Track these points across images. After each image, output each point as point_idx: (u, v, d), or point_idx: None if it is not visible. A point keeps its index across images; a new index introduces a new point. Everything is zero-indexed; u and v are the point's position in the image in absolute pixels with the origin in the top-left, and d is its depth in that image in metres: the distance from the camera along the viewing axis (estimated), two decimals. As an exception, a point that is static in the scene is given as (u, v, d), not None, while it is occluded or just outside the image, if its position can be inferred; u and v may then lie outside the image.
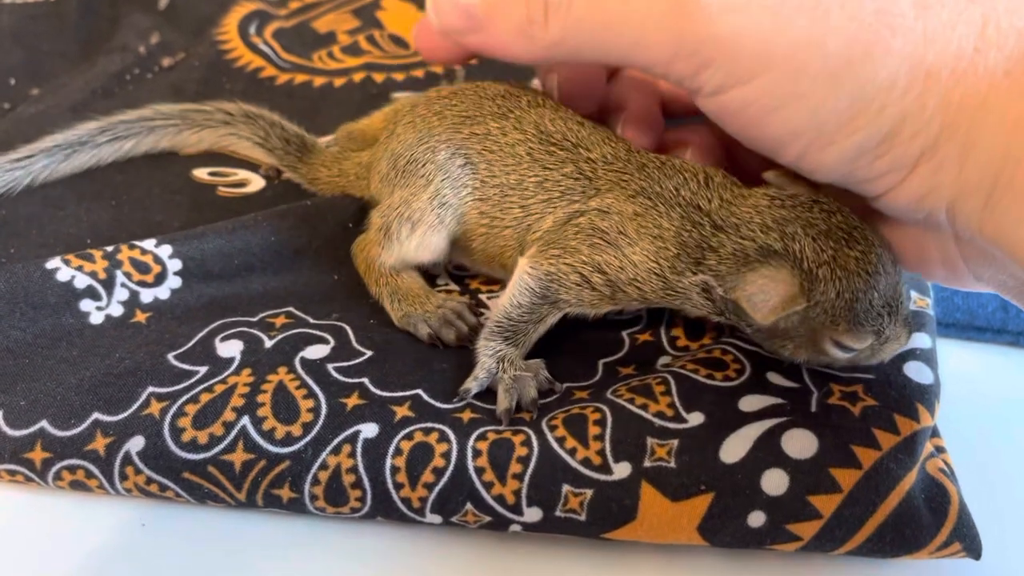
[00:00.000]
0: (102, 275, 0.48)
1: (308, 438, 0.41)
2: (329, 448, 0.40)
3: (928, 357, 0.44)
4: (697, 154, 0.46)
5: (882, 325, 0.40)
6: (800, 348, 0.41)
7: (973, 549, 0.39)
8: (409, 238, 0.47)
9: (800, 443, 0.39)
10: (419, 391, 0.43)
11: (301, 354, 0.44)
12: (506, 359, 0.43)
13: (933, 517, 0.38)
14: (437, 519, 0.40)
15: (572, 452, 0.40)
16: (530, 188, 0.45)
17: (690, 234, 0.41)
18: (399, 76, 0.71)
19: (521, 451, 0.40)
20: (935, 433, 0.42)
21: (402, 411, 0.42)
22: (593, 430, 0.40)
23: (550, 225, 0.44)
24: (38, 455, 0.42)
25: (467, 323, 0.46)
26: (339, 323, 0.47)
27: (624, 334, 0.47)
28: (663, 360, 0.45)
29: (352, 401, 0.42)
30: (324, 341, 0.45)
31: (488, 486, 0.39)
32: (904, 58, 0.33)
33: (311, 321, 0.47)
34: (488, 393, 0.43)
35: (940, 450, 0.42)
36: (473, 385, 0.43)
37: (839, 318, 0.39)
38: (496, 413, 0.42)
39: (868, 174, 0.36)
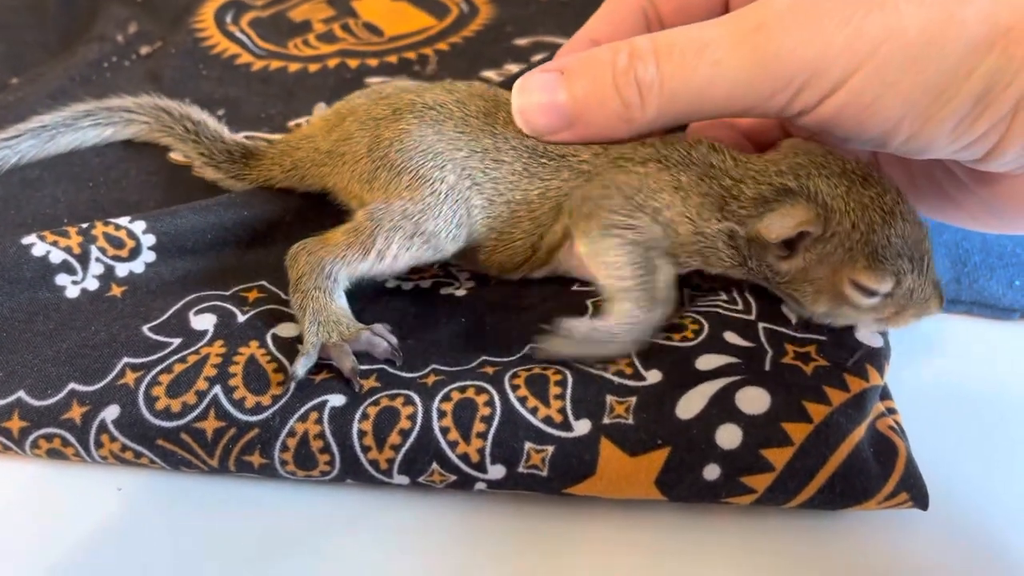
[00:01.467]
0: (77, 250, 0.49)
1: (276, 407, 0.42)
2: (296, 416, 0.42)
3: None
4: None
5: (902, 270, 0.41)
6: (821, 294, 0.43)
7: (920, 499, 0.40)
8: (404, 253, 0.45)
9: (754, 400, 0.41)
10: (384, 365, 0.44)
11: (272, 331, 0.45)
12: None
13: (881, 468, 0.40)
14: (405, 480, 0.41)
15: (534, 411, 0.41)
16: (535, 201, 0.45)
17: (709, 185, 0.44)
18: (373, 62, 0.72)
19: (484, 411, 0.41)
20: (886, 395, 0.44)
21: (368, 383, 0.43)
22: (554, 390, 0.42)
23: (569, 215, 0.45)
24: (16, 424, 0.43)
25: (389, 342, 0.45)
26: None
27: (588, 301, 0.49)
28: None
29: (321, 375, 0.43)
30: (295, 319, 0.46)
31: (453, 445, 0.41)
32: (979, 23, 0.36)
33: (283, 297, 0.48)
34: (448, 356, 0.45)
35: (891, 411, 0.43)
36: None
37: (857, 253, 0.41)
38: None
39: (972, 134, 0.38)
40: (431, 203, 0.45)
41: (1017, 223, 0.45)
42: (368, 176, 0.47)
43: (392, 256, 0.45)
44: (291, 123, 0.63)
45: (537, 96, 0.44)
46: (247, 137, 0.61)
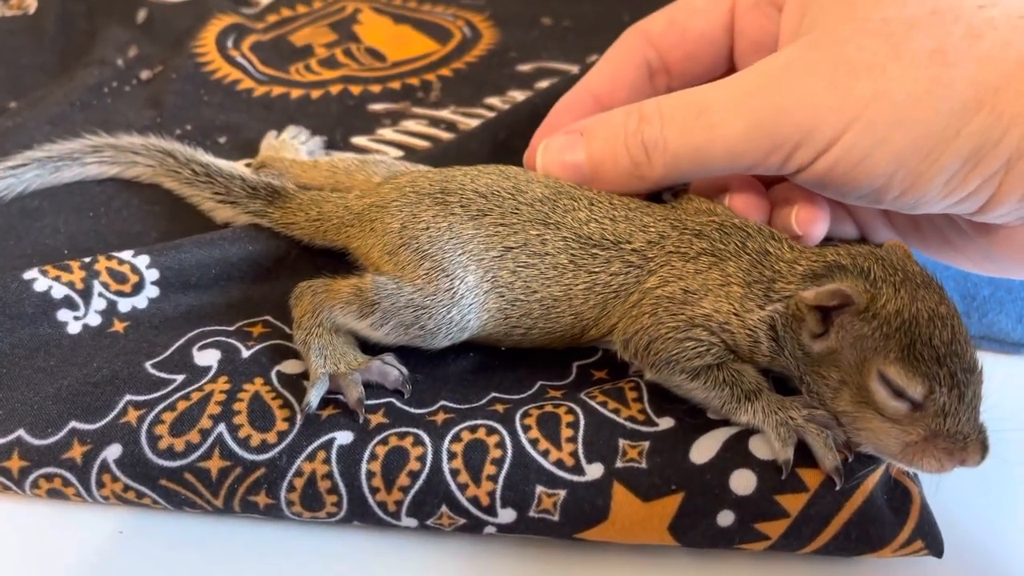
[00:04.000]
0: (79, 285, 0.48)
1: (283, 445, 0.41)
2: (303, 455, 0.41)
3: None
4: (804, 207, 0.46)
5: (938, 378, 0.37)
6: (845, 386, 0.39)
7: (935, 547, 0.40)
8: (396, 336, 0.45)
9: (767, 445, 0.40)
10: (392, 399, 0.44)
11: (277, 368, 0.45)
12: None
13: (895, 516, 0.39)
14: (413, 522, 0.41)
15: (545, 454, 0.40)
16: (579, 296, 0.44)
17: (761, 271, 0.42)
18: (376, 88, 0.72)
19: (495, 453, 0.40)
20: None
21: (376, 418, 0.42)
22: (566, 432, 0.41)
23: (616, 321, 0.44)
24: (15, 464, 0.42)
25: (400, 371, 0.45)
26: None
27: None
28: (635, 367, 0.46)
29: (327, 411, 0.43)
30: (300, 357, 0.45)
31: (463, 488, 0.40)
32: (967, 83, 0.37)
33: (288, 332, 0.48)
34: (457, 391, 0.45)
35: (904, 452, 0.43)
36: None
37: (892, 342, 0.38)
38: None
39: (964, 190, 0.39)
40: (442, 301, 0.43)
41: (1014, 270, 0.46)
42: (391, 249, 0.45)
43: (383, 334, 0.44)
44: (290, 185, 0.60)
45: (559, 155, 0.47)
46: (247, 164, 0.60)
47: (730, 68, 0.51)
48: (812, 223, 0.45)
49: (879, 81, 0.38)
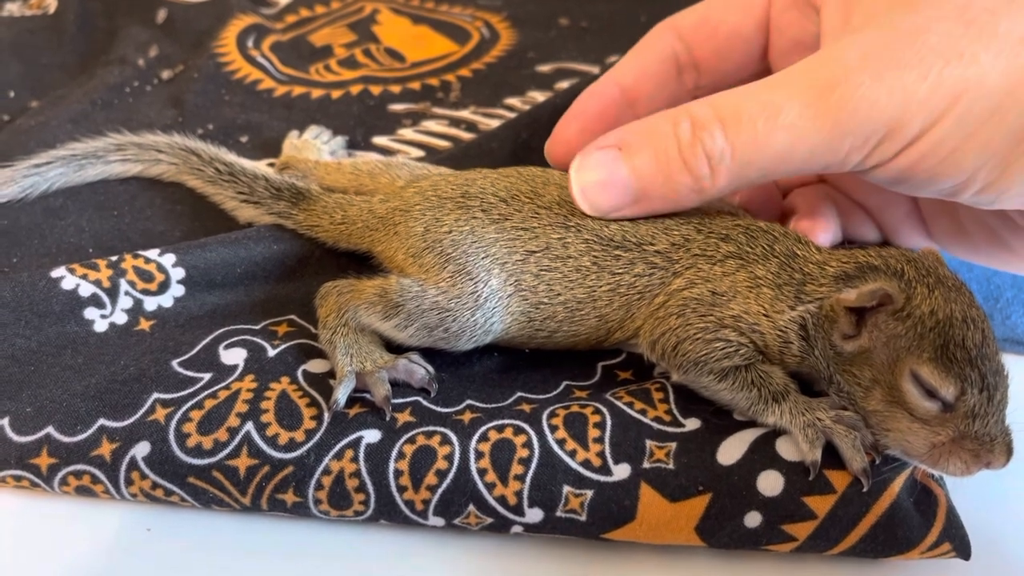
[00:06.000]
0: (106, 283, 0.48)
1: (311, 443, 0.41)
2: (332, 453, 0.41)
3: None
4: (804, 218, 0.46)
5: (970, 380, 0.37)
6: (877, 385, 0.39)
7: (962, 549, 0.40)
8: (420, 338, 0.45)
9: (794, 447, 0.40)
10: (418, 398, 0.44)
11: (303, 367, 0.45)
12: None
13: (922, 518, 0.39)
14: (440, 522, 0.41)
15: (572, 454, 0.40)
16: (603, 297, 0.44)
17: (790, 274, 0.42)
18: (395, 89, 0.72)
19: (522, 452, 0.41)
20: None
21: (403, 417, 0.42)
22: (593, 432, 0.41)
23: (641, 323, 0.44)
24: (44, 461, 0.42)
25: (427, 369, 0.45)
26: None
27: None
28: (660, 368, 0.46)
29: (354, 409, 0.43)
30: (326, 356, 0.46)
31: (490, 487, 0.40)
32: None
33: (313, 331, 0.48)
34: (483, 391, 0.45)
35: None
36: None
37: (927, 342, 0.38)
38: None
39: None
40: (466, 304, 0.44)
41: None
42: (415, 252, 0.46)
43: (408, 336, 0.45)
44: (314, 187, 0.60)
45: (597, 174, 0.42)
46: (269, 164, 0.61)
47: (762, 66, 0.50)
48: (810, 235, 0.45)
49: (970, 69, 0.36)
